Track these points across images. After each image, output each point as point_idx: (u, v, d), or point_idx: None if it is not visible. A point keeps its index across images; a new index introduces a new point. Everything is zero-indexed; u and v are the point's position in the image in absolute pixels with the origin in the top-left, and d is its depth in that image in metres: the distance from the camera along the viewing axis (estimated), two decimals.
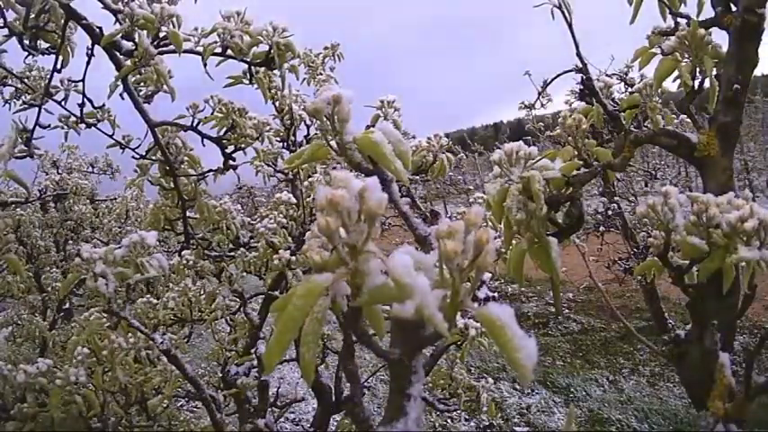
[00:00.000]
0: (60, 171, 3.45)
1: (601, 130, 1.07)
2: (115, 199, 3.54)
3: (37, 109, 1.82)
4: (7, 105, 2.14)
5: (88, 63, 1.73)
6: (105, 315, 1.27)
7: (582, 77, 1.11)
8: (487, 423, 3.90)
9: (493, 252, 0.39)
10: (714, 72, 0.90)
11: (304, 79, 2.66)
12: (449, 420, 3.95)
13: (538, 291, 7.33)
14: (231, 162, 1.83)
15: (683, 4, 1.13)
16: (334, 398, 1.58)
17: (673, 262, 0.80)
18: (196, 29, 1.54)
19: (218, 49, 1.53)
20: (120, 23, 1.49)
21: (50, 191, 3.27)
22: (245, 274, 1.73)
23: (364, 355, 4.41)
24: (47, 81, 1.93)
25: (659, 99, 1.02)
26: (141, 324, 1.30)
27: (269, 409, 1.85)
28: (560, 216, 0.84)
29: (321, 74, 2.71)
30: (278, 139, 2.18)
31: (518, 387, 4.57)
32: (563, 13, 1.20)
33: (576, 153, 0.88)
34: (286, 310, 0.38)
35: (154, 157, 1.77)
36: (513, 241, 0.82)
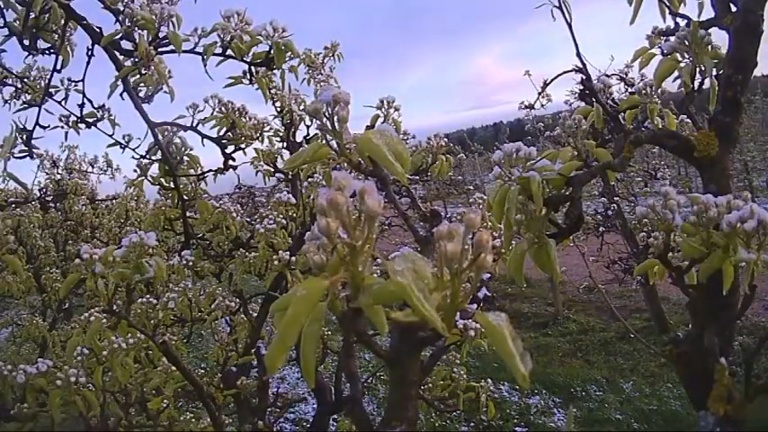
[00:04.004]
0: (60, 171, 3.45)
1: (601, 130, 1.07)
2: (115, 199, 3.54)
3: (37, 109, 1.82)
4: (7, 105, 2.14)
5: (88, 63, 1.73)
6: (105, 315, 1.27)
7: (582, 78, 1.11)
8: (487, 423, 3.90)
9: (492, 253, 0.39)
10: (714, 72, 0.90)
11: (304, 79, 2.66)
12: (448, 421, 3.95)
13: (537, 291, 7.32)
14: (231, 162, 1.83)
15: (682, 5, 1.13)
16: (334, 398, 1.58)
17: (673, 262, 0.80)
18: (196, 29, 1.54)
19: (218, 50, 1.53)
20: (121, 24, 1.49)
21: (50, 191, 3.27)
22: (245, 275, 1.73)
23: (364, 356, 4.41)
24: (47, 81, 1.93)
25: (659, 99, 1.02)
26: (141, 324, 1.31)
27: (269, 409, 1.85)
28: (560, 216, 0.84)
29: (321, 74, 2.72)
30: (278, 139, 2.18)
31: (517, 387, 4.57)
32: (563, 13, 1.20)
33: (576, 153, 0.88)
34: (287, 312, 0.38)
35: (154, 157, 1.77)
36: (513, 241, 0.82)
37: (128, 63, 1.55)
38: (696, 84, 0.93)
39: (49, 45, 1.77)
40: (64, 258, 3.19)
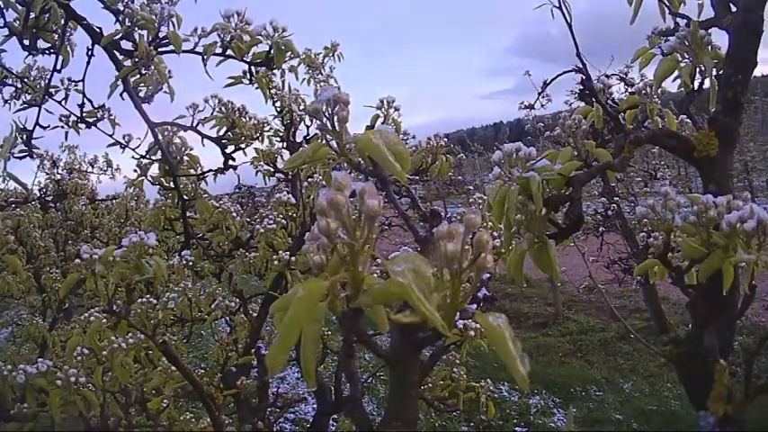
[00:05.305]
0: (60, 171, 3.45)
1: (601, 130, 1.07)
2: (115, 198, 3.53)
3: (37, 109, 1.82)
4: (7, 105, 2.14)
5: (88, 63, 1.73)
6: (105, 315, 1.27)
7: (582, 78, 1.11)
8: (487, 423, 3.90)
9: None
10: (714, 72, 0.90)
11: (304, 79, 2.66)
12: (448, 421, 3.94)
13: (537, 291, 7.32)
14: (231, 162, 1.83)
15: (682, 5, 1.13)
16: (334, 398, 1.58)
17: (673, 262, 0.80)
18: (196, 29, 1.54)
19: (218, 50, 1.53)
20: (121, 24, 1.49)
21: (50, 191, 3.27)
22: (245, 275, 1.73)
23: (364, 356, 4.41)
24: (47, 81, 1.93)
25: (659, 99, 1.02)
26: (141, 324, 1.30)
27: (269, 409, 1.84)
28: (560, 216, 0.84)
29: (321, 74, 2.72)
30: (278, 139, 2.18)
31: (517, 387, 4.57)
32: (563, 13, 1.19)
33: (576, 153, 0.88)
34: (287, 313, 0.38)
35: (154, 157, 1.77)
36: (513, 241, 0.82)
37: (128, 63, 1.55)
38: (696, 84, 0.93)
39: (49, 45, 1.77)
40: (64, 258, 3.19)
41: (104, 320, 1.28)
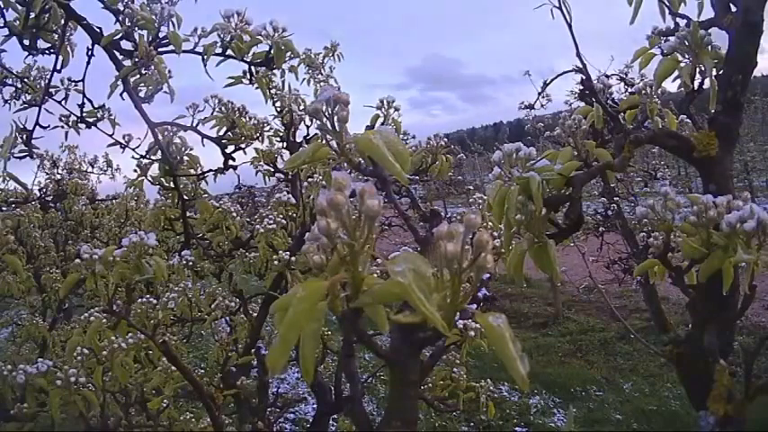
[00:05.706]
0: (60, 171, 3.45)
1: (601, 130, 1.07)
2: (115, 198, 3.53)
3: (37, 109, 1.82)
4: (7, 105, 2.14)
5: (88, 63, 1.73)
6: (105, 315, 1.27)
7: (582, 78, 1.11)
8: (487, 423, 3.90)
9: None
10: (714, 72, 0.90)
11: (304, 79, 2.67)
12: (448, 421, 3.94)
13: (537, 291, 7.32)
14: (231, 162, 1.83)
15: (682, 5, 1.13)
16: (334, 398, 1.58)
17: (673, 262, 0.80)
18: (196, 29, 1.54)
19: (219, 50, 1.53)
20: (121, 24, 1.49)
21: (50, 191, 3.27)
22: (245, 275, 1.73)
23: (364, 356, 4.41)
24: (47, 81, 1.93)
25: (659, 99, 1.02)
26: (141, 324, 1.30)
27: (269, 409, 1.84)
28: (560, 216, 0.84)
29: (321, 74, 2.72)
30: (278, 139, 2.18)
31: (517, 387, 4.57)
32: (563, 13, 1.19)
33: (576, 153, 0.88)
34: (288, 313, 0.38)
35: (154, 157, 1.77)
36: (513, 241, 0.82)
37: (128, 63, 1.55)
38: (696, 84, 0.93)
39: (49, 45, 1.77)
40: (64, 258, 3.18)
41: (104, 320, 1.28)
